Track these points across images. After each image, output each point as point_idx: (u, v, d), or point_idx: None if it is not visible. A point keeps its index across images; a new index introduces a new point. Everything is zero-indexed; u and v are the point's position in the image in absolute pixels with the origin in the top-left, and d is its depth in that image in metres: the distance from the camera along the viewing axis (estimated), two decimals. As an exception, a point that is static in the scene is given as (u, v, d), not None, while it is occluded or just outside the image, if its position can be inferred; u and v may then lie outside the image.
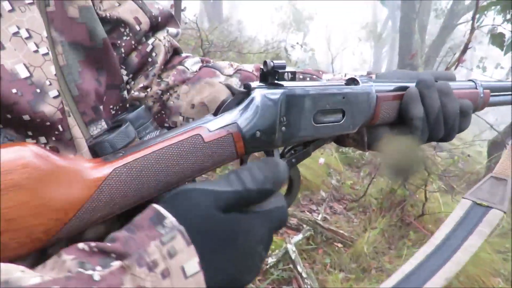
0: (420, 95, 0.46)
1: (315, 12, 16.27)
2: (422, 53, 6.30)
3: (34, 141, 0.35)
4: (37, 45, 0.36)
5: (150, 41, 0.53)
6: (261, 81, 0.40)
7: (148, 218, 0.28)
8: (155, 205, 0.29)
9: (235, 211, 0.31)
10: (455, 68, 2.06)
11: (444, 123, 0.47)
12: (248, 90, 0.38)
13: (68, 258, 0.25)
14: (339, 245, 2.31)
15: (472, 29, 1.91)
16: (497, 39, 2.19)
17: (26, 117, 0.34)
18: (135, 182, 0.32)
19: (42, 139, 0.36)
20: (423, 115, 0.46)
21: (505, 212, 0.52)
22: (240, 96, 0.38)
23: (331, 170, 3.40)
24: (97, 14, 0.46)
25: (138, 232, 0.27)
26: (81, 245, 0.27)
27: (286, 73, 0.38)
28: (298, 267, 1.90)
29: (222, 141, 0.35)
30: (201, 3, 11.68)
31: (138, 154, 0.33)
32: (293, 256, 1.94)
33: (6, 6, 0.34)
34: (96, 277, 0.24)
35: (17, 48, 0.34)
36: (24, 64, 0.35)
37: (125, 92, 0.49)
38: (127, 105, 0.49)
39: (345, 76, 0.55)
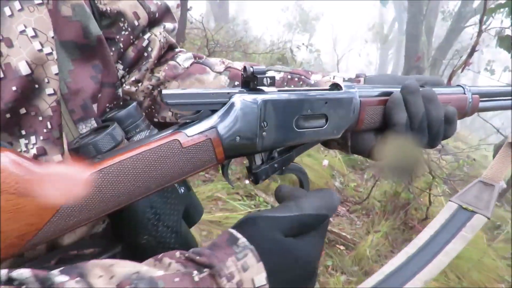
0: (404, 101, 0.45)
1: (322, 13, 16.24)
2: (428, 55, 6.26)
3: (26, 141, 0.37)
4: (42, 45, 0.37)
5: (146, 36, 0.53)
6: (242, 86, 0.40)
7: (225, 239, 0.33)
8: (230, 230, 0.35)
9: (296, 235, 0.36)
10: (462, 71, 2.03)
11: (428, 129, 0.47)
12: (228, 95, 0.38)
13: (172, 261, 0.31)
14: (342, 247, 2.29)
15: (480, 32, 1.89)
16: (504, 41, 2.17)
17: (22, 111, 0.36)
18: (112, 188, 0.32)
19: (32, 139, 0.37)
20: (406, 121, 0.45)
21: (489, 218, 0.52)
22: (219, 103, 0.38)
23: (334, 172, 3.39)
24: (97, 7, 0.46)
25: (218, 251, 0.32)
26: (177, 253, 0.32)
27: (265, 78, 0.38)
28: (300, 269, 1.89)
29: (200, 147, 0.35)
30: (207, 3, 11.70)
31: (114, 159, 0.32)
32: (294, 258, 1.93)
33: (16, 5, 0.35)
34: (196, 278, 0.29)
35: (22, 46, 0.35)
36: (27, 62, 0.36)
37: (120, 90, 0.49)
38: (121, 103, 0.49)
39: (333, 78, 0.55)
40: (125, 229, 0.43)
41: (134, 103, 0.45)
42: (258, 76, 0.37)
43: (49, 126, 0.38)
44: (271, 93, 0.39)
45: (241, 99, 0.37)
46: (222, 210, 2.26)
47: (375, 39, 16.04)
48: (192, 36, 5.03)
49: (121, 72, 0.52)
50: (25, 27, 0.36)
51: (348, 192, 3.17)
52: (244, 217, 0.36)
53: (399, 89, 0.47)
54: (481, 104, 0.55)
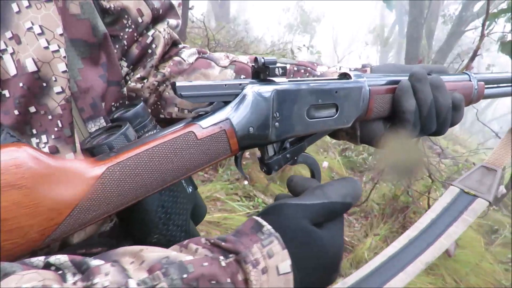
0: (412, 89, 0.46)
1: (323, 15, 16.25)
2: (429, 59, 6.27)
3: (38, 140, 0.37)
4: (48, 42, 0.36)
5: (150, 32, 0.53)
6: (253, 77, 0.40)
7: (250, 227, 0.33)
8: (254, 217, 0.34)
9: (323, 221, 0.35)
10: (463, 75, 2.03)
11: (436, 116, 0.47)
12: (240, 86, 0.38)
13: (198, 247, 0.31)
14: (340, 249, 2.29)
15: (482, 36, 1.89)
16: (506, 47, 2.17)
17: (32, 109, 0.36)
18: (129, 181, 0.32)
19: (44, 138, 0.37)
20: (415, 108, 0.46)
21: (490, 202, 0.53)
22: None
23: (334, 173, 3.39)
24: (100, 4, 0.46)
25: (243, 237, 0.32)
26: (203, 239, 0.32)
27: (277, 69, 0.38)
28: (298, 271, 1.88)
29: (215, 138, 0.35)
30: (208, 3, 11.70)
31: (131, 152, 0.32)
32: (293, 260, 1.93)
33: (24, 2, 0.35)
34: (223, 263, 0.30)
35: (29, 42, 0.35)
36: (33, 59, 0.36)
37: (125, 89, 0.49)
38: (126, 102, 0.49)
39: (339, 69, 0.55)
40: (136, 228, 0.44)
41: (142, 103, 0.45)
42: (270, 66, 0.38)
43: (60, 125, 0.38)
44: (282, 84, 0.39)
45: (253, 90, 0.37)
46: (220, 210, 2.25)
47: (376, 41, 16.07)
48: (193, 35, 5.02)
49: (125, 70, 0.52)
50: (32, 24, 0.36)
51: (347, 194, 3.16)
52: (270, 204, 0.36)
53: (407, 77, 0.47)
54: (486, 91, 0.55)
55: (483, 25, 1.85)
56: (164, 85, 0.56)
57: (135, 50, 0.51)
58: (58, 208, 0.29)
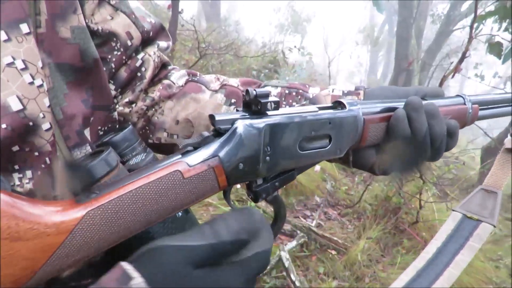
0: (408, 118, 0.45)
1: (313, 15, 16.31)
2: (418, 58, 6.33)
3: (21, 175, 0.34)
4: (32, 77, 0.34)
5: (140, 55, 0.51)
6: (244, 109, 0.39)
7: (115, 279, 0.27)
8: (123, 264, 0.28)
9: (209, 265, 0.29)
10: (453, 77, 2.05)
11: (431, 144, 0.47)
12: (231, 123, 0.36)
13: None
14: (333, 252, 2.29)
15: (470, 38, 1.90)
16: (495, 48, 2.20)
17: (15, 148, 0.34)
18: (111, 224, 0.30)
19: (28, 174, 0.35)
20: (410, 137, 0.45)
21: (494, 226, 0.52)
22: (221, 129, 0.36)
23: (326, 175, 3.39)
24: (89, 27, 0.44)
25: None
26: None
27: (269, 103, 0.37)
28: (292, 275, 1.88)
29: (203, 176, 0.33)
30: (199, 3, 11.64)
31: (113, 194, 0.30)
32: (286, 264, 1.92)
33: (2, 35, 0.32)
34: None
35: (11, 79, 0.33)
36: (18, 96, 0.33)
37: (115, 113, 0.47)
38: (116, 126, 0.48)
39: (332, 91, 0.54)
40: (121, 253, 0.42)
41: (130, 127, 0.44)
42: (261, 101, 0.36)
43: (48, 161, 0.36)
44: (274, 117, 0.38)
45: (244, 124, 0.36)
46: (213, 216, 2.23)
47: (366, 41, 16.19)
48: (183, 37, 4.98)
49: (113, 93, 0.50)
50: (14, 59, 0.33)
51: (340, 195, 3.18)
52: (144, 247, 0.30)
53: (402, 105, 0.46)
54: (481, 113, 0.55)
55: (471, 27, 1.86)
56: (153, 109, 0.54)
57: (123, 73, 0.50)
58: (34, 257, 0.27)
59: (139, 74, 0.51)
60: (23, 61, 0.34)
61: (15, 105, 0.33)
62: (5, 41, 0.33)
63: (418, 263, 0.50)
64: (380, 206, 2.78)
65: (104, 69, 0.46)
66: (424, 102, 0.47)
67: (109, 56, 0.47)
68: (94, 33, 0.45)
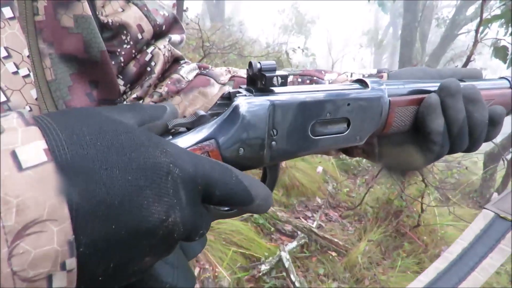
0: (442, 105, 0.39)
1: (318, 17, 16.30)
2: (422, 62, 6.31)
3: None
4: (17, 66, 0.32)
5: (150, 49, 0.50)
6: (248, 85, 0.33)
7: None
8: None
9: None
10: (457, 80, 2.04)
11: (469, 134, 0.40)
12: (229, 98, 0.31)
13: None
14: (333, 253, 2.28)
15: (475, 42, 1.89)
16: (500, 52, 2.19)
17: None
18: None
19: None
20: (444, 128, 0.39)
21: None
22: (219, 106, 0.32)
23: (328, 176, 3.39)
24: (99, 19, 0.43)
25: None
26: None
27: (275, 78, 0.31)
28: (292, 276, 1.87)
29: None
30: (203, 3, 11.66)
31: None
32: (286, 264, 1.92)
33: None
34: None
35: None
36: (0, 88, 0.31)
37: None
38: None
39: (351, 76, 0.48)
40: None
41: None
42: (266, 74, 0.31)
43: None
44: (282, 94, 0.32)
45: (246, 102, 0.30)
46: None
47: (370, 44, 16.16)
48: (187, 36, 4.98)
49: (122, 88, 0.48)
50: None
51: (341, 197, 3.17)
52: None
53: (436, 87, 0.40)
54: None
55: (476, 31, 1.85)
56: None
57: (132, 68, 0.48)
58: None
59: (148, 68, 0.50)
60: (6, 48, 0.31)
61: None
62: None
63: (440, 264, 0.45)
64: (382, 208, 2.77)
65: (113, 63, 0.45)
66: (462, 84, 0.40)
67: (119, 50, 0.45)
68: (104, 26, 0.44)
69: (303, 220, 2.58)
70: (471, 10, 6.62)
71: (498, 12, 2.18)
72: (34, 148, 0.18)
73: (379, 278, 2.17)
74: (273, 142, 0.32)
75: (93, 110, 0.23)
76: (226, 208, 0.32)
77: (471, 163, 4.18)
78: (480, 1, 1.84)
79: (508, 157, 3.43)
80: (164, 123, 0.30)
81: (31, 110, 0.33)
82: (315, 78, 0.50)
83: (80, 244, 0.18)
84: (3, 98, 0.31)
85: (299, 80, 0.50)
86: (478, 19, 1.87)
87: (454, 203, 3.07)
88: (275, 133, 0.32)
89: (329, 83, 0.48)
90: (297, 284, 1.84)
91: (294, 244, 2.18)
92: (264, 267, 1.89)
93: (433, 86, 0.41)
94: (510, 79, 0.46)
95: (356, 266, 2.19)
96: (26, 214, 0.17)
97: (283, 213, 2.47)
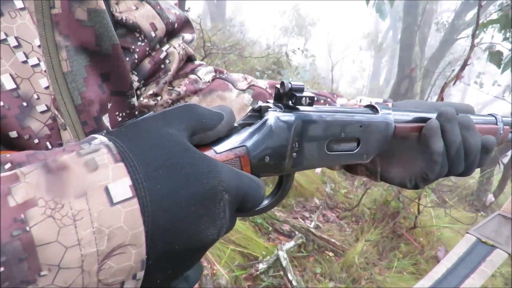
0: (441, 129, 0.43)
1: (318, 19, 16.35)
2: (421, 65, 6.35)
3: None
4: (26, 55, 0.33)
5: (165, 48, 0.51)
6: (275, 100, 0.37)
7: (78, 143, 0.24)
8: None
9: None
10: (454, 84, 2.07)
11: (464, 157, 0.45)
12: (260, 111, 0.36)
13: None
14: (331, 253, 2.30)
15: (472, 46, 1.93)
16: (495, 57, 2.22)
17: (13, 134, 0.33)
18: None
19: None
20: (444, 150, 0.43)
21: (509, 254, 0.50)
22: (252, 118, 0.36)
23: (326, 177, 3.41)
24: (113, 15, 0.44)
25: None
26: None
27: (303, 98, 0.35)
28: (289, 275, 1.89)
29: (228, 165, 0.32)
30: (204, 3, 11.68)
31: None
32: (284, 263, 1.94)
33: None
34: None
35: (4, 56, 0.32)
36: (11, 75, 0.32)
37: (133, 99, 0.47)
38: (136, 113, 0.48)
39: (359, 101, 0.53)
40: None
41: (152, 113, 0.44)
42: (296, 94, 0.35)
43: (50, 147, 0.35)
44: (306, 113, 0.37)
45: (275, 116, 0.35)
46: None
47: (370, 47, 16.21)
48: (188, 36, 5.00)
49: (136, 84, 0.49)
50: (6, 35, 0.32)
51: (339, 198, 3.19)
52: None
53: (435, 116, 0.45)
54: (511, 135, 0.54)
55: (473, 35, 1.88)
56: (178, 103, 0.53)
57: (147, 65, 0.49)
58: None
59: (163, 66, 0.51)
60: (16, 38, 0.32)
61: (8, 84, 0.32)
62: None
63: (426, 282, 0.49)
64: (379, 210, 2.79)
65: (127, 59, 0.45)
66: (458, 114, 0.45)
67: (133, 47, 0.46)
68: (118, 23, 0.45)
69: (301, 220, 2.60)
70: (470, 15, 6.67)
71: (495, 17, 2.21)
72: (121, 184, 0.22)
73: (375, 278, 2.19)
74: (294, 153, 0.36)
75: (155, 126, 0.26)
76: None
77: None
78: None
79: (505, 160, 3.46)
80: (216, 134, 0.31)
81: (38, 98, 0.34)
82: (328, 99, 0.54)
83: (149, 260, 0.23)
84: (13, 85, 0.32)
85: (315, 98, 0.54)
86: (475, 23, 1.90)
87: (450, 206, 3.10)
88: (296, 146, 0.36)
89: (340, 106, 0.53)
90: (294, 283, 1.86)
91: (291, 243, 2.20)
92: (261, 266, 1.91)
93: (432, 115, 0.46)
94: (496, 116, 0.52)
95: (353, 266, 2.22)
96: (115, 240, 0.21)
97: (281, 213, 2.50)
